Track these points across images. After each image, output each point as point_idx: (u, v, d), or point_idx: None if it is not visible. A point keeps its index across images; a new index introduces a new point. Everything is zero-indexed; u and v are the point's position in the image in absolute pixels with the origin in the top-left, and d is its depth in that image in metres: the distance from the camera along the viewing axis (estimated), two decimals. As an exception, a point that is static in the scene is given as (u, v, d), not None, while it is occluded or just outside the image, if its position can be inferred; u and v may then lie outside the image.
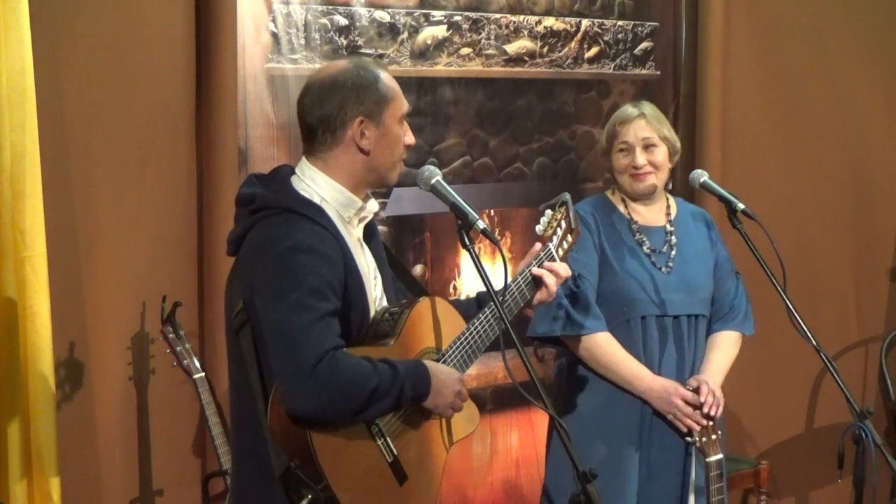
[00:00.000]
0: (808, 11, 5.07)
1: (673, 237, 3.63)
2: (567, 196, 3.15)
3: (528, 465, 4.63)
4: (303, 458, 2.59)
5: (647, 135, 3.55)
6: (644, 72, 4.87)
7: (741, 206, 3.45)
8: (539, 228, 3.07)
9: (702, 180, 3.56)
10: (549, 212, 3.11)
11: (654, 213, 3.65)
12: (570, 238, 3.13)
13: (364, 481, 2.66)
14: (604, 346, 3.52)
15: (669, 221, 3.65)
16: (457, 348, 2.85)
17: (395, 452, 2.71)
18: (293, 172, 2.82)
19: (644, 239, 3.59)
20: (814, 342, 3.28)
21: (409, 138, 2.84)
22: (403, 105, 2.82)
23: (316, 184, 2.77)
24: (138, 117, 3.75)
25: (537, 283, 3.01)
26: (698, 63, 4.89)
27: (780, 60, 5.06)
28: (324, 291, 2.62)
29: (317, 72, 2.85)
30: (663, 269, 3.58)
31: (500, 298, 2.79)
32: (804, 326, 3.30)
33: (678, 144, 3.63)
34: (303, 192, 2.76)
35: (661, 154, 3.57)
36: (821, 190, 5.14)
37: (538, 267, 3.01)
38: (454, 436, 2.88)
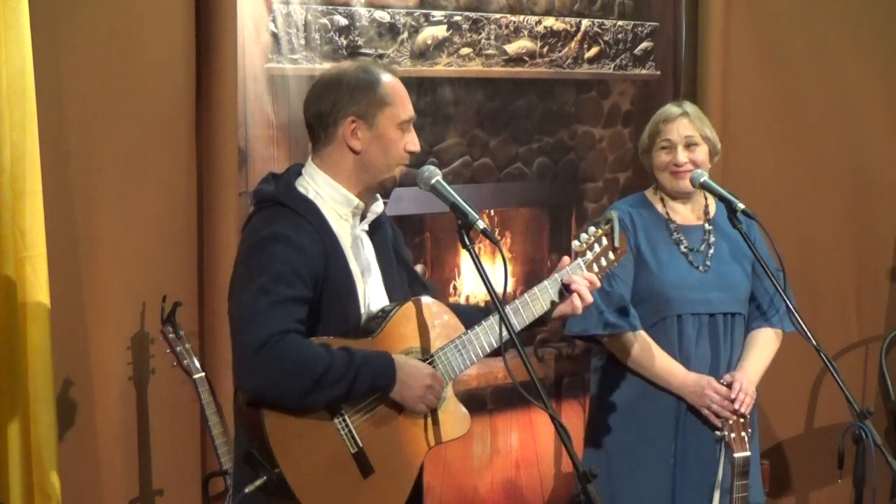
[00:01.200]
0: (808, 11, 5.06)
1: (711, 236, 3.65)
2: (614, 213, 3.11)
3: (528, 465, 4.63)
4: (258, 440, 2.65)
5: (689, 133, 3.59)
6: (644, 72, 4.87)
7: (741, 206, 3.46)
8: (575, 244, 3.04)
9: (702, 180, 3.57)
10: (591, 228, 3.08)
11: (692, 213, 3.67)
12: (611, 255, 3.08)
13: (321, 470, 2.68)
14: (638, 344, 3.55)
15: (708, 220, 3.67)
16: (447, 351, 2.85)
17: (361, 444, 2.72)
18: (301, 170, 2.90)
19: (682, 238, 3.61)
20: (814, 342, 3.28)
21: (412, 145, 2.86)
22: (405, 111, 2.85)
23: (314, 181, 2.84)
24: (138, 117, 3.75)
25: (562, 295, 2.98)
26: (698, 63, 4.89)
27: (780, 60, 5.05)
28: (289, 278, 2.68)
29: (325, 71, 2.94)
30: (700, 267, 3.60)
31: (504, 308, 2.77)
32: (804, 326, 3.31)
33: (719, 145, 3.66)
34: (301, 188, 2.83)
35: (702, 153, 3.59)
36: (821, 190, 5.14)
37: (562, 280, 2.98)
38: (441, 437, 2.87)
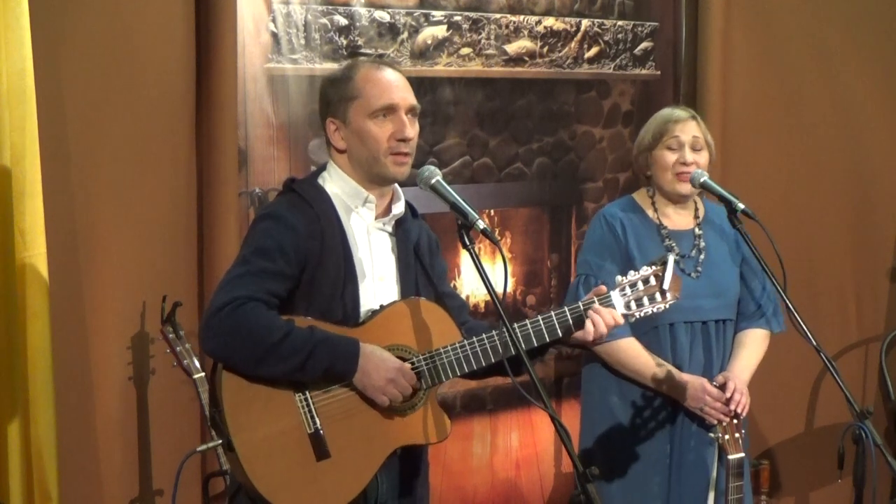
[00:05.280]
0: (808, 11, 5.07)
1: (701, 241, 3.64)
2: (671, 256, 2.93)
3: (528, 465, 4.63)
4: (217, 404, 2.71)
5: (697, 135, 3.61)
6: (644, 72, 4.87)
7: (741, 206, 3.46)
8: (618, 277, 2.91)
9: (702, 180, 3.56)
10: (644, 266, 2.94)
11: (683, 217, 3.67)
12: (657, 297, 2.90)
13: (271, 442, 2.71)
14: (628, 350, 3.55)
15: (698, 225, 3.66)
16: (438, 356, 2.82)
17: (319, 426, 2.74)
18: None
19: (673, 244, 3.60)
20: (814, 342, 3.28)
21: (399, 132, 2.85)
22: (378, 100, 2.85)
23: (330, 175, 2.93)
24: (138, 117, 3.75)
25: (577, 324, 2.86)
26: (698, 63, 4.89)
27: (780, 60, 5.05)
28: (270, 252, 2.75)
29: None
30: (692, 274, 3.59)
31: (503, 309, 2.72)
32: (804, 326, 3.30)
33: (714, 157, 3.66)
34: (320, 180, 2.92)
35: (704, 157, 3.61)
36: (821, 190, 5.14)
37: (585, 308, 2.86)
38: (412, 438, 2.84)
